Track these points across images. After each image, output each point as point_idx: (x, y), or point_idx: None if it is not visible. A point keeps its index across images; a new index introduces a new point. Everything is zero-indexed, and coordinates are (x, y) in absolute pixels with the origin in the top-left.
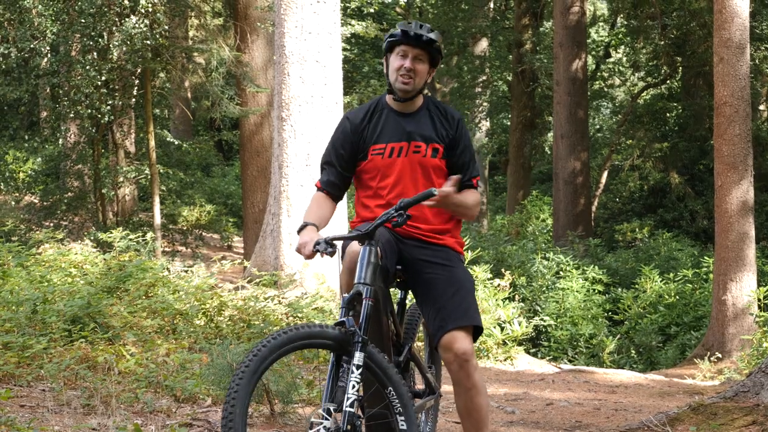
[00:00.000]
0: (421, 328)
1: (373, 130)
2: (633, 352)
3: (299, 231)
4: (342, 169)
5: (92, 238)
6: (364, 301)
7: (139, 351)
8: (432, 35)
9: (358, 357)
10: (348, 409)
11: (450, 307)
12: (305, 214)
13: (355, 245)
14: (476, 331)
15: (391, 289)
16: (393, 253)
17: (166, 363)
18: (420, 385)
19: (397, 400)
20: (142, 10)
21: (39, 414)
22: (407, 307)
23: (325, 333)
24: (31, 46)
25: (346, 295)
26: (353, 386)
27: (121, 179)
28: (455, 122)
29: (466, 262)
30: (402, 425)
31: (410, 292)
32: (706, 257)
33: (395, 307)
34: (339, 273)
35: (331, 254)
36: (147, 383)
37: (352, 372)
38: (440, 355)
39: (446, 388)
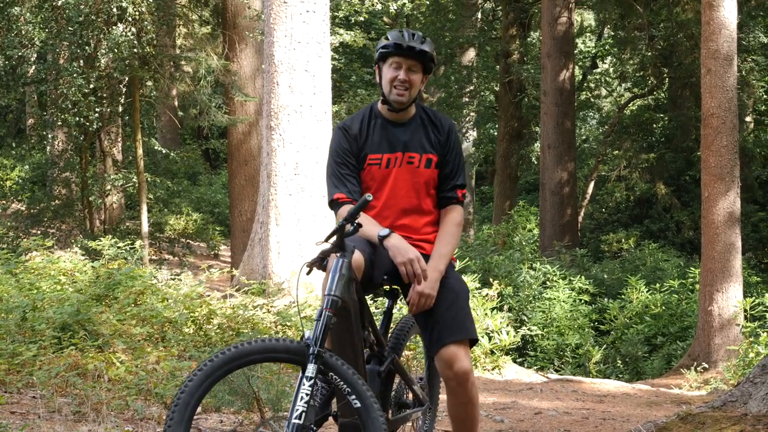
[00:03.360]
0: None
1: (369, 139)
2: (619, 362)
3: (386, 237)
4: (357, 174)
5: (80, 245)
6: (323, 312)
7: (128, 358)
8: (425, 47)
9: (310, 369)
10: (295, 421)
11: (445, 321)
12: (372, 228)
13: (355, 253)
14: (472, 342)
15: (378, 299)
16: (382, 263)
17: (155, 370)
18: (411, 396)
19: (358, 404)
20: (130, 18)
21: (30, 421)
22: (394, 317)
23: (279, 346)
24: (19, 53)
25: (319, 307)
26: (302, 398)
27: (109, 187)
28: (446, 130)
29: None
30: None
31: (399, 301)
32: (692, 268)
33: (381, 316)
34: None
35: (324, 269)
36: (137, 390)
37: (303, 384)
38: (438, 368)
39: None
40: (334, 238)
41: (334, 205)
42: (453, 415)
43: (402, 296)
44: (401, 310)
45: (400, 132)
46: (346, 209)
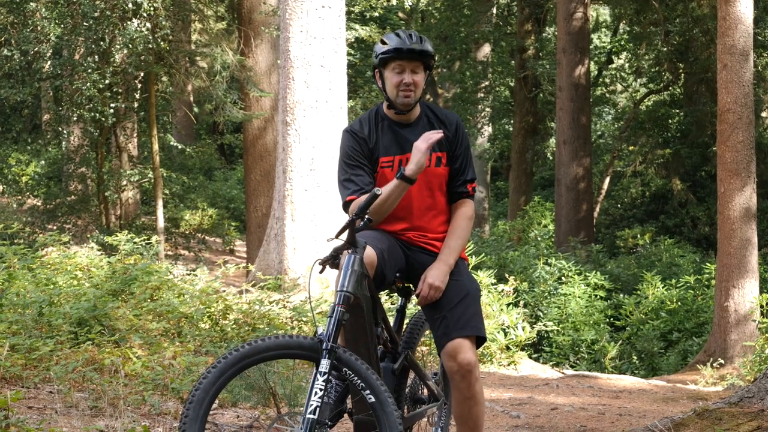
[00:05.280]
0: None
1: (380, 142)
2: (635, 357)
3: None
4: (371, 174)
5: (96, 241)
6: (336, 308)
7: (145, 354)
8: (425, 46)
9: (324, 364)
10: (309, 416)
11: (454, 316)
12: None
13: (368, 249)
14: (480, 341)
15: (390, 295)
16: (395, 260)
17: (172, 366)
18: (426, 392)
19: (372, 398)
20: (144, 14)
21: (47, 415)
22: (407, 314)
23: (293, 343)
24: (35, 49)
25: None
26: (316, 393)
27: (125, 182)
28: (453, 125)
29: (469, 268)
30: None
31: (413, 298)
32: (707, 263)
33: (394, 313)
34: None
35: (337, 266)
36: (154, 386)
37: (317, 379)
38: (443, 362)
39: None
40: (346, 234)
41: (347, 206)
42: (457, 414)
43: (414, 293)
44: (415, 306)
45: (408, 133)
46: (356, 204)
